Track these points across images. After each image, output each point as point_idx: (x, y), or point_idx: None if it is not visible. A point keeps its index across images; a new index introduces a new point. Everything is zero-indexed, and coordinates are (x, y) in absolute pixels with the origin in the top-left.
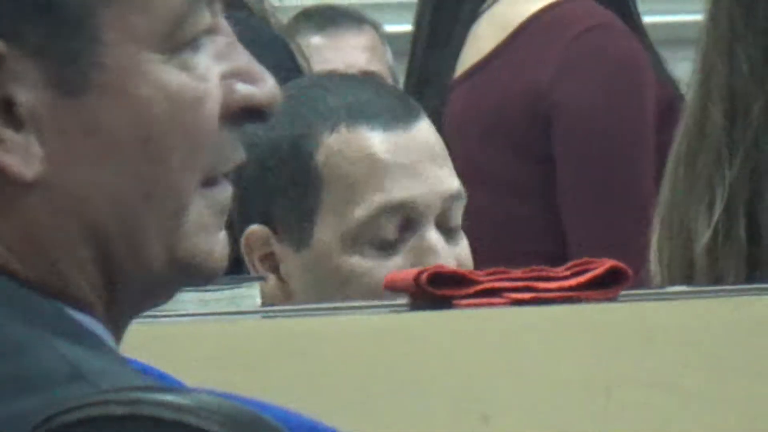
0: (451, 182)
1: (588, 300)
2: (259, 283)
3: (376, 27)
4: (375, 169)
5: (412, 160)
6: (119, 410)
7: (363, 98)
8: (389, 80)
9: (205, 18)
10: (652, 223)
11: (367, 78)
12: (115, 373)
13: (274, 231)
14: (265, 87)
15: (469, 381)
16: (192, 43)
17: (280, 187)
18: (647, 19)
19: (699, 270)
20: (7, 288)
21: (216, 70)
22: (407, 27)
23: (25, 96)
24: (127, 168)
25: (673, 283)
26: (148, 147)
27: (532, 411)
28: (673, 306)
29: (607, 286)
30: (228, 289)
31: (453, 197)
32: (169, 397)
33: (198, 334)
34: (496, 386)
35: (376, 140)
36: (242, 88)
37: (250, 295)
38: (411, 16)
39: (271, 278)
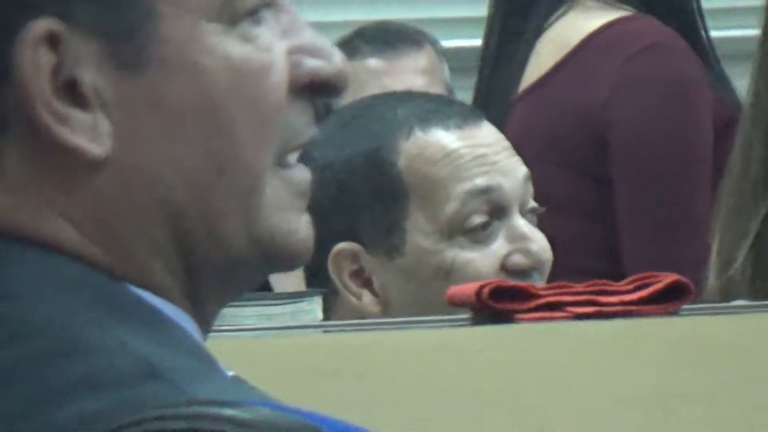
0: (522, 166)
1: (649, 314)
2: (320, 297)
3: (433, 44)
4: (455, 163)
5: (488, 151)
6: (178, 425)
7: (430, 106)
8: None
9: None
10: (709, 240)
11: (424, 92)
12: (191, 368)
13: (363, 246)
14: (333, 61)
15: (529, 395)
16: (252, 16)
17: (363, 203)
18: (716, 34)
19: (728, 297)
20: (82, 276)
21: (281, 45)
22: (464, 42)
23: (88, 75)
24: (196, 143)
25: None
26: (215, 120)
27: (591, 426)
28: (735, 320)
29: (669, 300)
30: (289, 303)
31: (527, 179)
32: (229, 412)
33: (259, 349)
34: (557, 401)
35: (452, 137)
36: (309, 62)
37: (312, 309)
38: (468, 31)
39: (366, 294)
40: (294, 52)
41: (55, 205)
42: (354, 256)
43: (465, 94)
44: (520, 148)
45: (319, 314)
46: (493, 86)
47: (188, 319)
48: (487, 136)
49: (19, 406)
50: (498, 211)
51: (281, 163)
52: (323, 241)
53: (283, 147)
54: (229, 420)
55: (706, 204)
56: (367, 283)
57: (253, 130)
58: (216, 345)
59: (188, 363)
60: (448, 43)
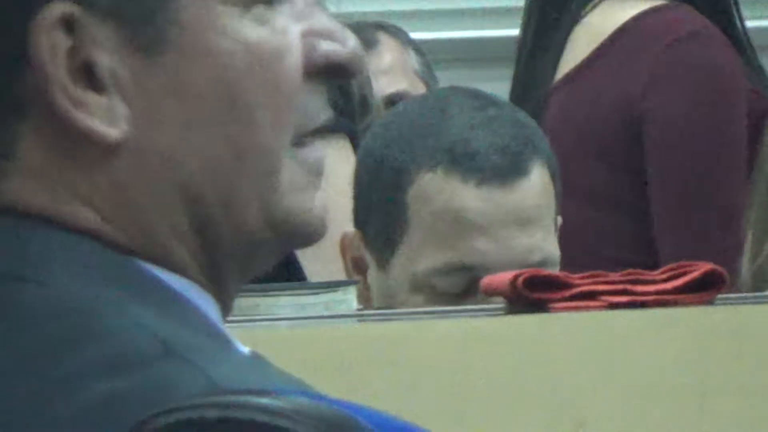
0: (537, 250)
1: (684, 303)
2: (354, 287)
3: (394, 36)
4: (455, 225)
5: (498, 223)
6: (212, 414)
7: (472, 145)
8: (420, 89)
9: None
10: (742, 231)
11: (496, 110)
12: (209, 348)
13: (366, 241)
14: (347, 45)
15: (564, 385)
16: (267, 1)
17: (376, 206)
18: (751, 24)
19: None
20: (101, 257)
21: (296, 29)
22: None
23: (105, 58)
24: (214, 126)
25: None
26: (233, 105)
27: (626, 416)
28: None
29: (704, 289)
30: (324, 293)
31: (539, 254)
32: (263, 401)
33: (294, 339)
34: (592, 390)
35: (466, 196)
36: (324, 45)
37: (346, 299)
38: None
39: (361, 281)
40: (308, 35)
41: (73, 188)
42: (357, 245)
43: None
44: (555, 139)
45: (354, 304)
46: (529, 76)
47: (209, 299)
48: (510, 202)
49: (41, 389)
50: (479, 280)
51: (296, 144)
52: (354, 217)
53: (298, 129)
54: (264, 409)
55: (741, 195)
56: (363, 272)
57: (270, 113)
58: (251, 336)
59: (206, 343)
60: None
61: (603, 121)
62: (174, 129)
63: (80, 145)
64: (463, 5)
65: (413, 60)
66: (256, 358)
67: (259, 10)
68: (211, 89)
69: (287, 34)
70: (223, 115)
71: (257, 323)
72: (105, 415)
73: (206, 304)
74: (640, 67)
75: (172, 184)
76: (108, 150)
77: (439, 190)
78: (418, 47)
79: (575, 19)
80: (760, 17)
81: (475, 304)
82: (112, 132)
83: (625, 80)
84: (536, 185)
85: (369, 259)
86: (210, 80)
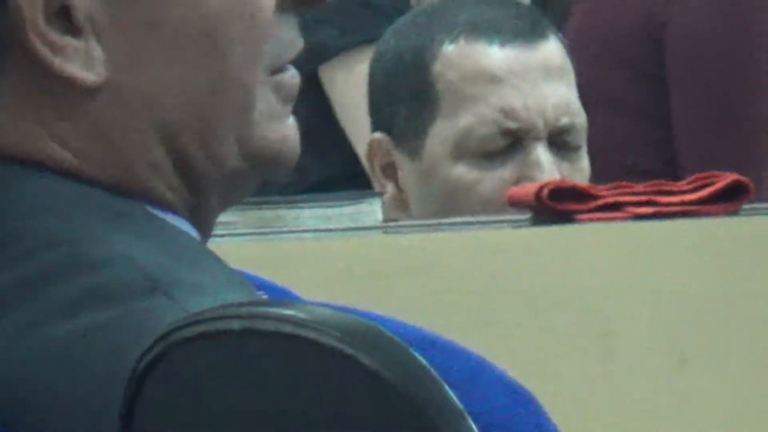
0: (568, 104)
1: (709, 214)
2: (380, 198)
3: None
4: (487, 84)
5: (526, 77)
6: (237, 324)
7: (488, 15)
8: None
9: None
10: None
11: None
12: (200, 282)
13: (395, 140)
14: None
15: (589, 295)
16: None
17: (401, 97)
18: None
19: None
20: (84, 193)
21: None
22: None
23: (81, 1)
24: (191, 63)
25: None
26: (209, 39)
27: (652, 326)
28: None
29: (729, 199)
30: (349, 205)
31: (567, 115)
32: (287, 311)
33: (320, 250)
34: (617, 301)
35: (492, 55)
36: None
37: (372, 210)
38: None
39: (390, 187)
40: None
41: (51, 129)
42: (386, 149)
43: None
44: (577, 50)
45: (379, 215)
46: None
47: (191, 228)
48: (533, 58)
49: (27, 321)
50: (518, 136)
51: (271, 73)
52: (373, 126)
53: (273, 62)
54: (289, 319)
55: (764, 104)
56: (394, 176)
57: (246, 48)
58: (277, 247)
59: (194, 274)
60: None
61: (626, 31)
62: (151, 67)
63: (58, 88)
64: None
65: None
66: (245, 286)
67: None
68: (187, 25)
69: None
70: (200, 50)
71: (283, 234)
72: (85, 344)
73: (190, 232)
74: None
75: (150, 121)
76: (86, 92)
77: (466, 56)
78: None
79: None
80: None
81: (518, 165)
82: (89, 77)
83: None
84: (556, 47)
85: (400, 159)
86: (186, 16)
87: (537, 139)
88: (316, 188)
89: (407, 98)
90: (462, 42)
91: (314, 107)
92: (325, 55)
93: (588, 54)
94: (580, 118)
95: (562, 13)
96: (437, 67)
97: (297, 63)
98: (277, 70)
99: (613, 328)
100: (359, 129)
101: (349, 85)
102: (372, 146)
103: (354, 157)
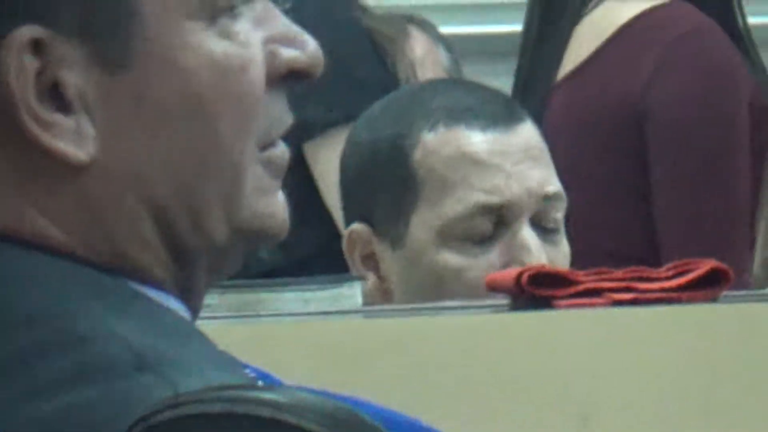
0: (550, 183)
1: (689, 301)
2: (360, 282)
3: (425, 30)
4: (470, 167)
5: (509, 160)
6: (216, 408)
7: (465, 101)
8: None
9: None
10: (746, 226)
11: (474, 83)
12: (187, 361)
13: (375, 230)
14: (307, 49)
15: (568, 381)
16: (230, 11)
17: (380, 186)
18: (752, 21)
19: None
20: (71, 270)
21: (257, 36)
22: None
23: (72, 78)
24: (180, 139)
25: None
26: (198, 116)
27: (631, 412)
28: None
29: (708, 287)
30: (329, 288)
31: (550, 198)
32: (266, 395)
33: (300, 334)
34: (596, 387)
35: (474, 139)
36: (285, 52)
37: (352, 294)
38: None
39: (371, 277)
40: (269, 42)
41: (39, 206)
42: (366, 239)
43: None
44: (558, 134)
45: (359, 299)
46: (533, 70)
47: (179, 305)
48: (513, 142)
49: (10, 399)
50: (503, 219)
51: (261, 148)
52: (349, 218)
53: (263, 138)
54: (269, 404)
55: (744, 190)
56: (375, 267)
57: (234, 124)
58: (258, 330)
59: (181, 353)
60: (465, 30)
61: (607, 117)
62: (140, 144)
63: (47, 165)
64: (468, 0)
65: (442, 55)
66: (234, 366)
67: (224, 21)
68: (175, 103)
69: (250, 46)
70: (188, 128)
71: (263, 318)
72: (71, 422)
73: (184, 314)
74: (644, 63)
75: (138, 197)
76: (75, 169)
77: (447, 142)
78: (447, 43)
79: (579, 15)
80: (761, 13)
81: (505, 248)
82: (80, 154)
83: (629, 76)
84: (533, 129)
85: (381, 249)
86: (175, 95)
87: (521, 221)
88: (299, 263)
89: (387, 187)
90: (441, 128)
91: (299, 183)
92: (310, 132)
93: (568, 137)
94: (562, 200)
95: (542, 95)
96: (418, 155)
97: (283, 138)
98: (267, 145)
99: (593, 413)
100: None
101: (334, 162)
102: (351, 237)
103: (338, 234)
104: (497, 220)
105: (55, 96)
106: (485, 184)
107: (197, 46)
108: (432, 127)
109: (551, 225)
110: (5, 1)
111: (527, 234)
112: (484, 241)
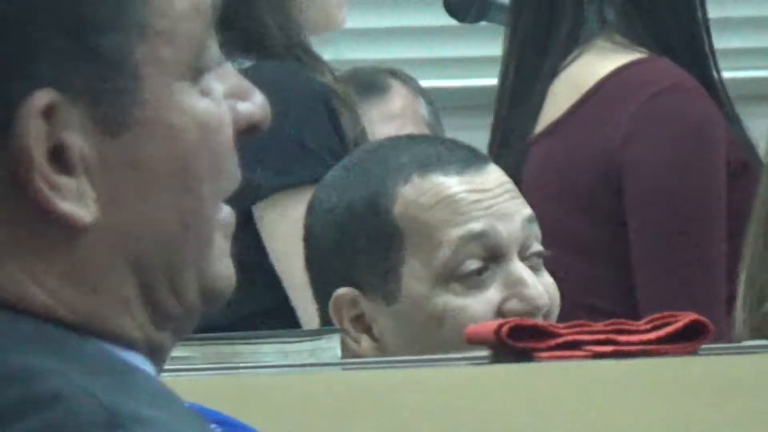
0: (525, 207)
1: (668, 353)
2: (338, 335)
3: (405, 83)
4: (450, 208)
5: (486, 195)
6: None
7: (432, 151)
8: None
9: (216, 48)
10: (722, 280)
11: (434, 136)
12: (158, 420)
13: (362, 292)
14: (258, 103)
15: None
16: (207, 72)
17: (361, 248)
18: (727, 75)
19: (763, 334)
20: (48, 333)
21: (221, 91)
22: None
23: (76, 141)
24: (168, 200)
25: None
26: (185, 177)
27: None
28: (754, 360)
29: (688, 339)
30: (308, 341)
31: (530, 221)
32: None
33: (278, 386)
34: None
35: (451, 182)
36: (243, 108)
37: (330, 347)
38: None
39: (365, 339)
40: (228, 96)
41: (29, 270)
42: (353, 302)
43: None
44: (536, 189)
45: (338, 352)
46: (509, 126)
47: (147, 364)
48: (487, 180)
49: None
50: (494, 255)
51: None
52: (326, 285)
53: (223, 196)
54: None
55: (721, 246)
56: (366, 328)
57: (213, 183)
58: (235, 382)
59: (152, 412)
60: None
61: (583, 173)
62: (131, 205)
63: (45, 228)
64: (448, 54)
65: (423, 107)
66: (202, 424)
67: (204, 81)
68: (165, 163)
69: (221, 103)
70: (175, 188)
71: (240, 370)
72: None
73: (150, 371)
74: (620, 118)
75: (125, 257)
76: (72, 233)
77: (424, 190)
78: (427, 96)
79: (555, 70)
80: (736, 68)
81: (502, 284)
82: (85, 215)
83: (606, 132)
84: (499, 169)
85: (373, 308)
86: (165, 155)
87: (511, 254)
88: (244, 321)
89: (370, 247)
90: (416, 179)
91: (245, 244)
92: (259, 194)
93: (546, 194)
94: (536, 223)
95: (519, 150)
96: (397, 209)
97: (232, 200)
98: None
99: None
100: (291, 267)
101: (282, 224)
102: (336, 303)
103: (284, 294)
104: (487, 256)
105: (59, 158)
106: (468, 219)
107: (184, 106)
108: (407, 180)
109: (534, 252)
110: (24, 65)
111: (520, 267)
112: (478, 277)
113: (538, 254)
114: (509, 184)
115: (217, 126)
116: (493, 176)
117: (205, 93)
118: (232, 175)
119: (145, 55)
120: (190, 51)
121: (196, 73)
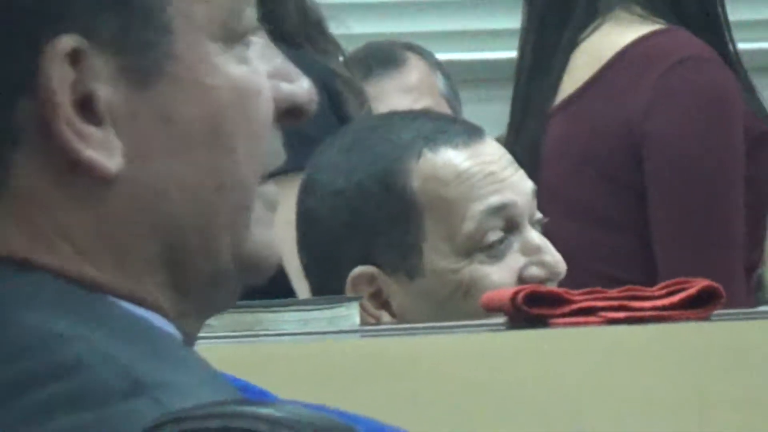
0: (529, 181)
1: (681, 319)
2: (357, 302)
3: (423, 57)
4: (468, 182)
5: (497, 167)
6: (214, 423)
7: (434, 126)
8: (445, 110)
9: (254, 15)
10: (741, 250)
11: (429, 111)
12: (183, 384)
13: (379, 268)
14: (303, 87)
15: (563, 399)
16: (244, 39)
17: (378, 227)
18: (742, 46)
19: None
20: (71, 294)
21: (263, 69)
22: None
23: (104, 90)
24: (200, 159)
25: None
26: (218, 137)
27: (625, 428)
28: (766, 326)
29: (701, 305)
30: (327, 309)
31: (534, 191)
32: (264, 410)
33: (298, 354)
34: (591, 405)
35: (462, 156)
36: (286, 87)
37: (349, 314)
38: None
39: (384, 315)
40: (271, 76)
41: (55, 222)
42: (371, 279)
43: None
44: (557, 161)
45: (357, 319)
46: (529, 97)
47: (175, 331)
48: (492, 152)
49: (6, 425)
50: (511, 225)
51: (259, 182)
52: (339, 267)
53: (264, 168)
54: (266, 419)
55: (739, 215)
56: (385, 305)
57: (249, 148)
58: (256, 350)
59: (177, 376)
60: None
61: (604, 143)
62: (161, 160)
63: (73, 179)
64: (470, 26)
65: (439, 81)
66: (228, 388)
67: (239, 49)
68: (197, 121)
69: (261, 74)
70: (208, 146)
71: (261, 338)
72: None
73: (175, 334)
74: (641, 89)
75: (154, 215)
76: (101, 183)
77: (439, 164)
78: (444, 69)
79: (575, 42)
80: (750, 39)
81: (520, 251)
82: (111, 165)
83: (626, 103)
84: (494, 140)
85: (394, 285)
86: (197, 112)
87: (525, 223)
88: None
89: (386, 225)
90: (428, 154)
91: None
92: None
93: (567, 165)
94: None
95: (540, 122)
96: (415, 184)
97: None
98: (263, 179)
99: (588, 430)
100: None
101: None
102: (355, 280)
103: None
104: (505, 224)
105: (87, 107)
106: (486, 193)
107: (220, 67)
108: (419, 156)
109: (536, 220)
110: (50, 8)
111: (535, 235)
112: (500, 247)
113: (539, 222)
114: (508, 155)
115: (253, 93)
116: (494, 146)
117: (242, 60)
118: (274, 150)
119: (178, 10)
120: (225, 12)
121: (231, 36)
